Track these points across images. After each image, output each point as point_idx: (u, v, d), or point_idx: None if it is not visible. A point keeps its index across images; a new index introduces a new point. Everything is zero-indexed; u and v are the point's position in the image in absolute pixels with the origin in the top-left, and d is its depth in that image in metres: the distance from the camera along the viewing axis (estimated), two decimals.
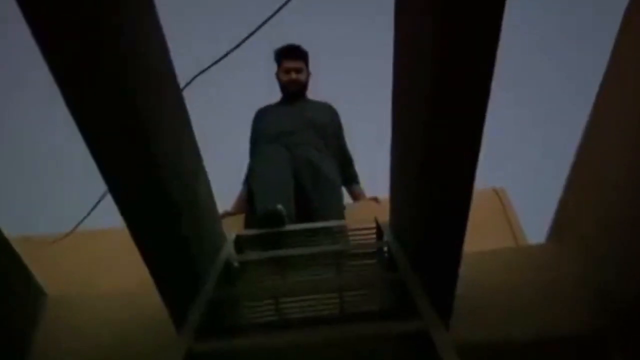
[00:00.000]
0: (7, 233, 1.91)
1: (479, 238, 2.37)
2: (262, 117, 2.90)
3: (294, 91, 2.86)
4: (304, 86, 2.89)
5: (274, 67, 2.92)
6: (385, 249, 1.81)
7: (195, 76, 1.60)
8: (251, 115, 2.96)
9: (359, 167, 2.95)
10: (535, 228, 2.56)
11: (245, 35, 1.58)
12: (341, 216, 2.43)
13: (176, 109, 1.51)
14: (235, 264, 1.81)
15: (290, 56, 2.85)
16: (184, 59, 1.55)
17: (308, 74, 2.91)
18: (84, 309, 2.01)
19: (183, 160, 1.55)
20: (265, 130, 2.75)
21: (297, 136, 2.62)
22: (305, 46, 2.91)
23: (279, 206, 2.06)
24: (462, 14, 1.06)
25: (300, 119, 2.72)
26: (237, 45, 1.57)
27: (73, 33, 1.05)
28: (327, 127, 2.77)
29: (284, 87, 2.89)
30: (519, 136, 6.31)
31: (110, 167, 1.33)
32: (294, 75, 2.84)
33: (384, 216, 2.01)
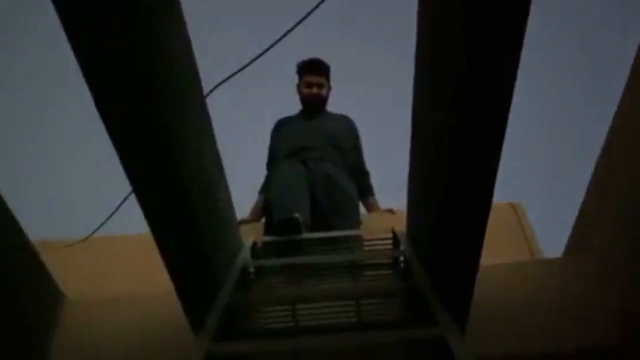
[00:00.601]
0: (29, 236, 1.95)
1: (495, 252, 2.35)
2: (281, 129, 2.94)
3: (314, 105, 2.90)
4: (324, 100, 2.93)
5: (295, 78, 2.96)
6: (402, 258, 1.82)
7: (219, 84, 1.64)
8: (271, 124, 3.00)
9: (376, 179, 2.97)
10: (553, 243, 2.55)
11: (267, 45, 1.61)
12: (358, 228, 2.44)
13: (199, 116, 1.54)
14: (252, 270, 1.83)
15: (313, 71, 2.88)
16: (208, 66, 1.58)
17: (329, 89, 2.95)
18: (101, 312, 2.03)
19: (204, 166, 1.57)
20: (284, 143, 2.80)
21: (314, 151, 2.66)
22: (327, 56, 2.95)
23: (297, 214, 2.08)
24: (485, 21, 1.08)
25: (319, 133, 2.76)
26: (260, 55, 1.60)
27: (105, 35, 1.09)
28: (345, 141, 2.80)
29: (304, 100, 2.92)
30: (538, 151, 6.29)
31: (136, 171, 1.36)
32: (315, 90, 2.87)
33: (400, 227, 2.01)
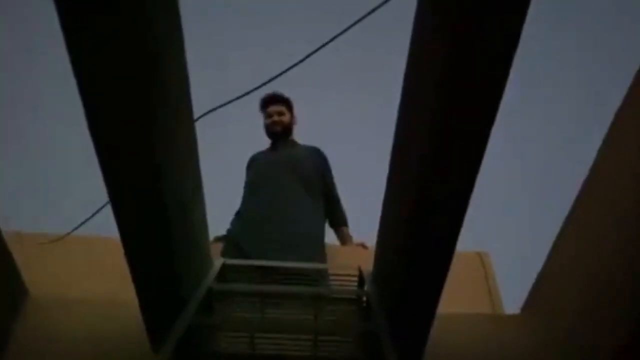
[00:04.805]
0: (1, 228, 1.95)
1: (457, 300, 2.42)
2: (252, 165, 3.02)
3: (277, 132, 2.99)
4: (286, 128, 3.00)
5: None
6: (364, 298, 1.87)
7: (211, 110, 1.69)
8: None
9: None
10: (520, 294, 2.60)
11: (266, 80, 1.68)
12: (320, 261, 2.43)
13: (187, 138, 1.59)
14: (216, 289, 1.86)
15: (271, 102, 3.00)
16: (201, 91, 1.64)
17: (292, 117, 3.04)
18: (64, 313, 2.02)
19: (185, 187, 1.61)
20: (249, 179, 2.89)
21: (273, 183, 2.71)
22: (320, 96, 3.07)
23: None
24: (465, 74, 1.15)
25: (280, 164, 2.81)
26: (254, 89, 1.66)
27: (102, 43, 1.12)
28: (310, 171, 2.81)
29: (267, 131, 3.03)
30: (514, 202, 6.40)
31: (116, 182, 1.39)
32: (275, 118, 2.98)
33: (370, 264, 2.06)
